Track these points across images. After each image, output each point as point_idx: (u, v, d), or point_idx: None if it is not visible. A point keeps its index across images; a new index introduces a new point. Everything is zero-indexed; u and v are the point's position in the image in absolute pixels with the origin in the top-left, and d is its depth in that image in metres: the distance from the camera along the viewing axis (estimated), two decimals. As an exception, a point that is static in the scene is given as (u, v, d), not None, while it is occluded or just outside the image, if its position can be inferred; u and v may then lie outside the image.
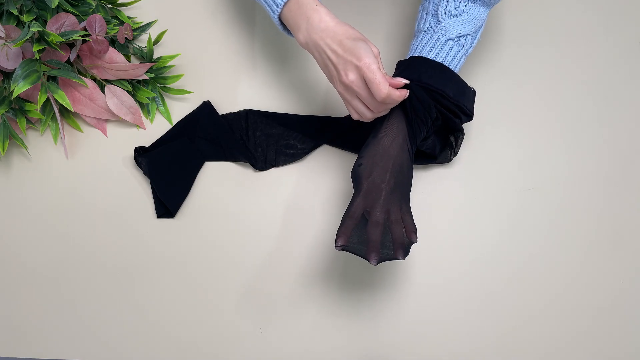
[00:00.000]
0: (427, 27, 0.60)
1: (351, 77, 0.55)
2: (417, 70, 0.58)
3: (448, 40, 0.59)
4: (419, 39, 0.61)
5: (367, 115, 0.58)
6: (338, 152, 0.70)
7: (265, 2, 0.59)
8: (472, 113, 0.62)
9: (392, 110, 0.60)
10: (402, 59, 0.62)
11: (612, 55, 0.73)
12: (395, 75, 0.60)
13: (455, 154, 0.67)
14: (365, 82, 0.55)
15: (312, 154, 0.70)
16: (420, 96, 0.57)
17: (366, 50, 0.54)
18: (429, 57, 0.59)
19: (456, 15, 0.59)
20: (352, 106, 0.58)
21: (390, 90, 0.54)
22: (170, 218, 0.68)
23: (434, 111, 0.59)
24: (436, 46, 0.60)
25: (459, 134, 0.66)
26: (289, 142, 0.70)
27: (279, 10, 0.58)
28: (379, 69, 0.54)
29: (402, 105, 0.59)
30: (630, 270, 0.67)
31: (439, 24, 0.59)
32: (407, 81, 0.56)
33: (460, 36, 0.60)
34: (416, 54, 0.60)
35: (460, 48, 0.60)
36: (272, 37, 0.74)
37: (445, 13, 0.59)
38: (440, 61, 0.59)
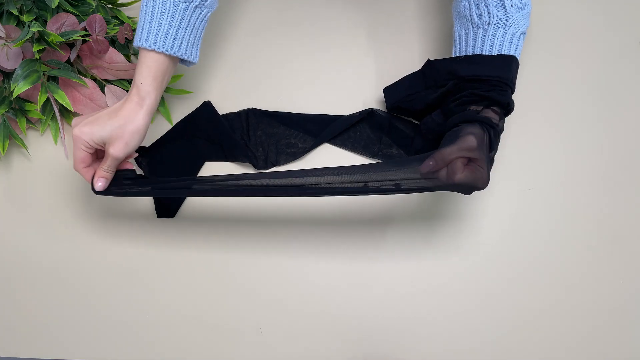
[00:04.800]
0: (497, 20, 0.57)
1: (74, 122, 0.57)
2: (511, 70, 0.57)
3: (521, 34, 0.58)
4: (490, 32, 0.58)
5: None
6: (339, 150, 0.70)
7: (140, 24, 0.57)
8: None
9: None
10: (449, 49, 0.61)
11: (612, 55, 0.73)
12: (486, 69, 0.57)
13: None
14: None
15: (313, 153, 0.70)
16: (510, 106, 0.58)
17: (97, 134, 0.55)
18: (510, 54, 0.58)
19: (521, 8, 0.58)
20: None
21: (80, 171, 0.57)
22: (170, 218, 0.68)
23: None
24: (513, 41, 0.58)
25: None
26: (289, 142, 0.70)
27: (136, 45, 0.57)
28: (82, 149, 0.56)
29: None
30: (630, 270, 0.67)
31: (508, 18, 0.57)
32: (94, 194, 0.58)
33: (526, 31, 0.59)
34: (495, 49, 0.58)
35: (523, 42, 0.59)
36: (272, 37, 0.74)
37: (512, 6, 0.57)
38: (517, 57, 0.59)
